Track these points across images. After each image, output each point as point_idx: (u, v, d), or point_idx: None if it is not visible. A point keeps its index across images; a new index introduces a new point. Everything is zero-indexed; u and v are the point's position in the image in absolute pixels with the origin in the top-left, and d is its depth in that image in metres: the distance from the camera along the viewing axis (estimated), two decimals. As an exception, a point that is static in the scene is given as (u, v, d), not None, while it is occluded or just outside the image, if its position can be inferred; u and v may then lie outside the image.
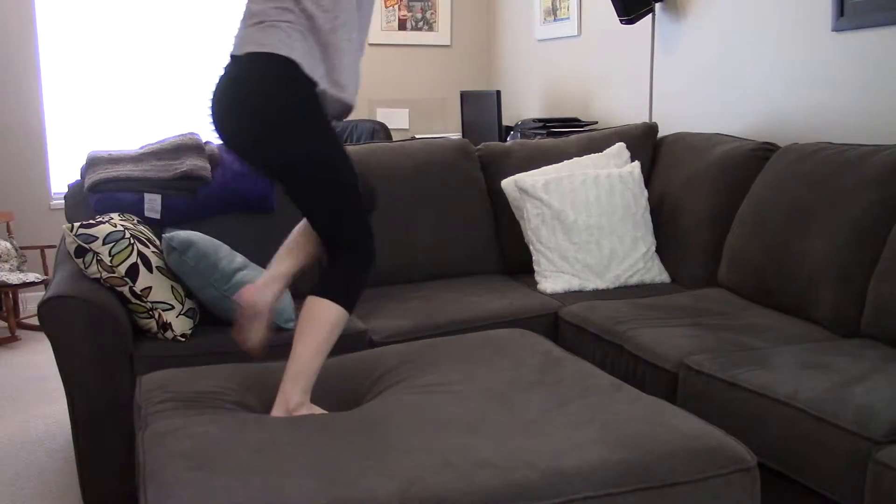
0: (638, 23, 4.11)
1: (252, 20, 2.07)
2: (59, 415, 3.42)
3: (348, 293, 2.09)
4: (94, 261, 2.57)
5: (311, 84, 2.03)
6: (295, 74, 2.02)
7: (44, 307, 2.44)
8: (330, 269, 2.13)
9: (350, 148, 3.40)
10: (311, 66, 2.03)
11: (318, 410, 2.06)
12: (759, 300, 2.82)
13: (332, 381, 2.21)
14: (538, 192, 3.18)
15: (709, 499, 1.68)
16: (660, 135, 3.73)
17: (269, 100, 2.01)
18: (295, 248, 2.27)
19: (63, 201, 3.55)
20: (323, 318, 2.06)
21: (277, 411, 2.01)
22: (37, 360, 4.18)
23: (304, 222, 2.27)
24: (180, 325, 2.62)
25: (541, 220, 3.18)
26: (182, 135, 3.25)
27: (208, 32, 5.29)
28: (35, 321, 4.67)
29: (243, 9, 2.14)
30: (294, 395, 2.00)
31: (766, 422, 2.03)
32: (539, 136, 4.13)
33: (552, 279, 3.15)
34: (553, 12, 4.95)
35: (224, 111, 2.07)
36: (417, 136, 5.46)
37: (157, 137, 3.46)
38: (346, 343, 2.69)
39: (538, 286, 3.17)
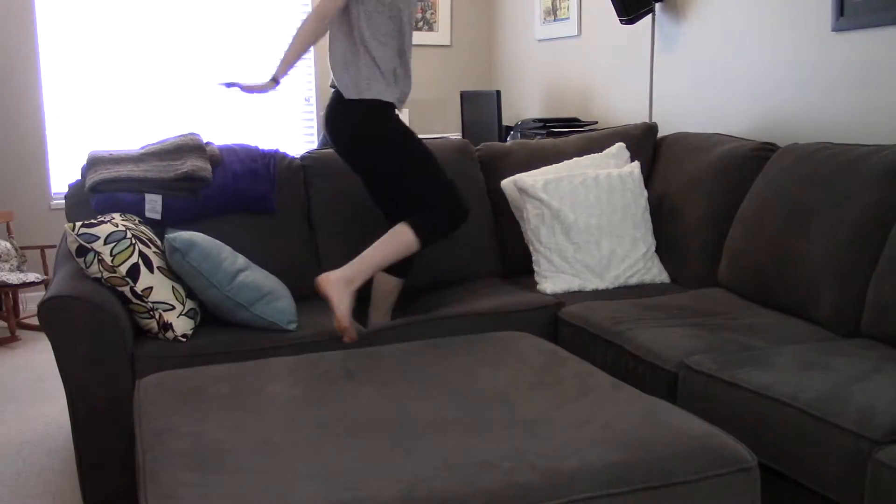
0: (638, 23, 4.11)
1: (339, 59, 2.91)
2: (59, 415, 3.42)
3: (427, 232, 2.84)
4: (96, 260, 2.58)
5: (391, 107, 2.92)
6: (378, 105, 2.89)
7: (44, 307, 2.44)
8: (425, 211, 2.87)
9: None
10: (387, 94, 2.89)
11: (351, 299, 2.70)
12: (759, 300, 2.83)
13: (332, 380, 2.21)
14: (538, 192, 3.18)
15: (709, 499, 1.68)
16: (660, 135, 3.73)
17: (358, 123, 2.92)
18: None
19: (63, 201, 3.55)
20: (399, 238, 2.81)
21: (331, 279, 2.71)
22: (37, 360, 4.18)
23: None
24: (181, 325, 2.62)
25: (540, 221, 3.18)
26: (183, 135, 3.25)
27: (209, 32, 5.29)
28: (35, 321, 4.68)
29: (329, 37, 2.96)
30: (352, 274, 2.74)
31: (766, 422, 2.03)
32: (539, 136, 4.13)
33: (552, 279, 3.15)
34: (553, 12, 4.95)
35: (333, 127, 2.95)
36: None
37: (158, 138, 3.46)
38: (346, 342, 2.70)
39: (538, 286, 3.17)
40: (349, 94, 2.88)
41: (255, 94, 2.91)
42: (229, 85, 2.90)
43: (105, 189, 3.02)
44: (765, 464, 2.03)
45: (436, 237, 2.88)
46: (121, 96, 5.15)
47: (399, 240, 2.81)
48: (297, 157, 3.39)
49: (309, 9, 5.48)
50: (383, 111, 2.89)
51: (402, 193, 2.93)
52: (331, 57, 2.95)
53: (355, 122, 2.90)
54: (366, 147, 2.92)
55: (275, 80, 2.89)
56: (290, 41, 2.85)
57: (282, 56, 2.86)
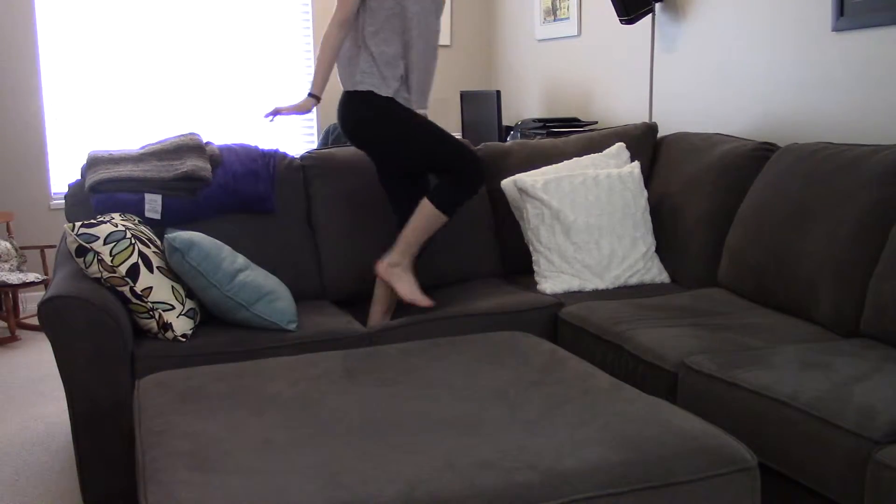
0: (638, 23, 4.11)
1: (346, 59, 3.02)
2: (59, 415, 3.42)
3: (445, 201, 2.94)
4: (95, 260, 2.58)
5: (386, 99, 2.97)
6: (371, 97, 2.97)
7: (44, 307, 2.44)
8: (440, 183, 2.97)
9: (350, 149, 3.41)
10: (382, 87, 2.96)
11: (408, 276, 2.94)
12: (759, 300, 2.82)
13: (332, 380, 2.21)
14: (538, 192, 3.18)
15: (709, 499, 1.68)
16: (660, 135, 3.73)
17: (364, 114, 3.00)
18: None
19: (63, 201, 3.55)
20: (424, 213, 2.94)
21: (382, 265, 2.95)
22: (37, 360, 4.18)
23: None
24: (181, 325, 2.62)
25: (540, 221, 3.18)
26: (183, 135, 3.25)
27: (209, 32, 5.29)
28: (35, 321, 4.68)
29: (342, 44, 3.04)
30: (396, 257, 2.95)
31: (766, 422, 2.03)
32: (539, 136, 4.13)
33: (552, 279, 3.15)
34: (553, 12, 4.95)
35: (339, 118, 3.05)
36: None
37: (158, 137, 3.46)
38: (347, 341, 2.70)
39: (538, 286, 3.17)
40: (346, 86, 3.00)
41: (297, 115, 3.07)
42: (272, 115, 3.03)
43: (105, 189, 3.02)
44: (765, 464, 2.03)
45: (456, 204, 2.96)
46: (120, 96, 5.15)
47: (424, 217, 2.93)
48: (297, 157, 3.39)
49: (309, 9, 5.48)
50: (378, 101, 2.96)
51: (418, 170, 3.06)
52: (339, 53, 3.05)
53: (352, 110, 2.99)
54: (367, 134, 3.02)
55: (315, 97, 3.04)
56: (318, 54, 2.98)
57: (314, 71, 3.00)
